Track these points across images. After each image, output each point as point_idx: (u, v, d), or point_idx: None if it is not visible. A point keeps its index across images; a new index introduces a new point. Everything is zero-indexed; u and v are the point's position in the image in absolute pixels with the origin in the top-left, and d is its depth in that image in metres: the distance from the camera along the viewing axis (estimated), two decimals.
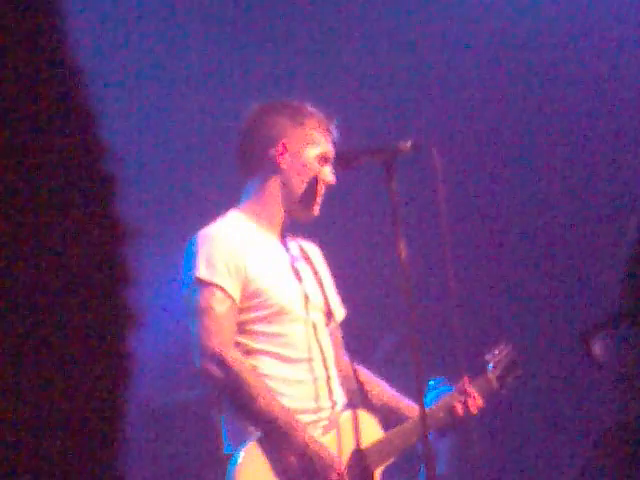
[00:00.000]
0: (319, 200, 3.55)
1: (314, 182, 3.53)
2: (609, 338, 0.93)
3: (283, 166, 3.53)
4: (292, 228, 3.67)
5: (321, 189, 3.55)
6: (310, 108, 3.59)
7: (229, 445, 3.39)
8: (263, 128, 3.55)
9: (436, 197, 3.20)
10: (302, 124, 3.54)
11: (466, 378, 3.59)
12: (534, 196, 6.11)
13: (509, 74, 6.10)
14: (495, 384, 3.75)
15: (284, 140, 3.52)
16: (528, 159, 6.10)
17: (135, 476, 4.52)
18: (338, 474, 3.36)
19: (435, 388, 3.60)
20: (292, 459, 3.35)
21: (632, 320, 0.91)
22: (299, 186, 3.53)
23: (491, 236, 6.10)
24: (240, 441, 3.35)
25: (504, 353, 3.82)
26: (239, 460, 3.30)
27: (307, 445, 3.33)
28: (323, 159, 3.55)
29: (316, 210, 3.55)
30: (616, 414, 0.89)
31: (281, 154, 3.52)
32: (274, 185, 3.54)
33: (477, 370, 3.76)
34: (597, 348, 0.94)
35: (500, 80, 6.11)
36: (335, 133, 3.60)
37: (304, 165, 3.53)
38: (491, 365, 3.78)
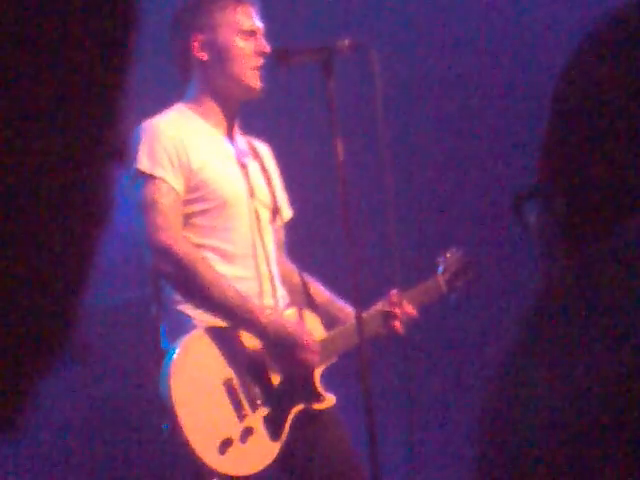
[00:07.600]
0: (255, 73, 3.50)
1: (241, 59, 3.50)
2: (538, 205, 0.95)
3: (205, 58, 3.51)
4: (244, 128, 3.65)
5: (253, 62, 3.50)
6: None
7: (166, 340, 3.39)
8: (177, 33, 3.55)
9: (373, 98, 3.20)
10: (208, 11, 3.51)
11: (395, 290, 3.57)
12: (474, 98, 6.11)
13: None
14: (444, 287, 3.80)
15: (195, 34, 3.50)
16: (470, 62, 6.07)
17: (76, 380, 4.54)
18: (307, 345, 3.39)
19: None
20: (251, 343, 3.37)
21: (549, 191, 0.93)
22: (228, 70, 3.50)
23: (428, 136, 6.10)
24: (177, 336, 3.34)
25: (455, 257, 3.86)
26: (175, 354, 3.29)
27: (267, 325, 3.35)
28: (244, 34, 3.52)
29: (257, 83, 3.50)
30: (540, 282, 0.93)
31: (198, 49, 3.50)
32: (206, 79, 3.53)
33: (428, 273, 3.77)
34: (529, 214, 0.96)
35: None
36: (252, 2, 3.56)
37: (223, 49, 3.50)
38: (441, 268, 3.82)
